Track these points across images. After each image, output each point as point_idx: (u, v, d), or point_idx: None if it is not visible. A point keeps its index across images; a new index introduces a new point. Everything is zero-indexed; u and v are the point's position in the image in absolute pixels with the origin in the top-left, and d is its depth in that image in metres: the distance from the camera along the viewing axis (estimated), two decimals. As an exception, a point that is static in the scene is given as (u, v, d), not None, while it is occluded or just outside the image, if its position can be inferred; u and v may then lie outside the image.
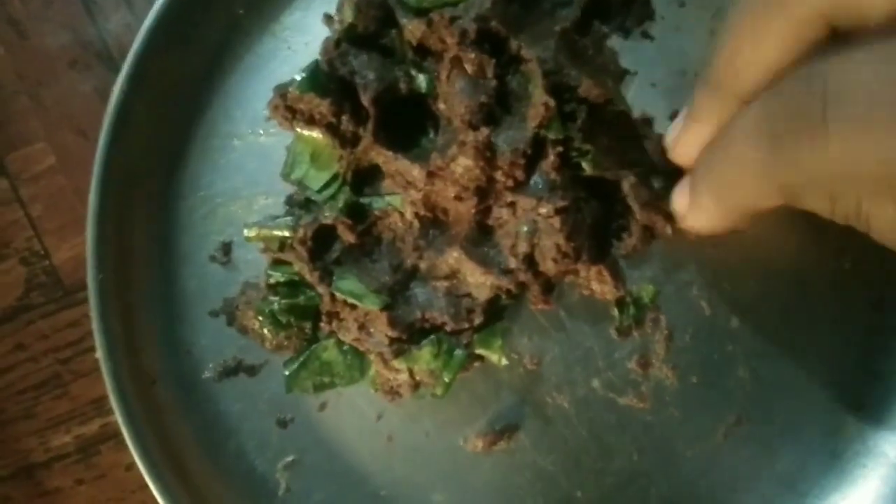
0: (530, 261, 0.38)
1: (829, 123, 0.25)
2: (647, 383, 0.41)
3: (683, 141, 0.35)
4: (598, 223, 0.39)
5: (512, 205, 0.38)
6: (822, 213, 0.29)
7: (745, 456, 0.40)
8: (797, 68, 0.28)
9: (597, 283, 0.40)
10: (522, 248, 0.38)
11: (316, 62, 0.39)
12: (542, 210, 0.36)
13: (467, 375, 0.41)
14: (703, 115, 0.33)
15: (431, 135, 0.41)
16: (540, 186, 0.37)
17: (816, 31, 0.28)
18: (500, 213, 0.38)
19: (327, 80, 0.39)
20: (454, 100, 0.38)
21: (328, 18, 0.43)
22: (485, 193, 0.38)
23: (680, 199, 0.36)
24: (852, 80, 0.25)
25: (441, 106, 0.39)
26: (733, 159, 0.30)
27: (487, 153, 0.37)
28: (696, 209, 0.35)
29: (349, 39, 0.40)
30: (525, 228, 0.38)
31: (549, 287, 0.39)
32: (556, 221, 0.36)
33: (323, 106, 0.39)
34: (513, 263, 0.38)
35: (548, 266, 0.37)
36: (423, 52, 0.40)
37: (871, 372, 0.40)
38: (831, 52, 0.26)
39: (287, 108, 0.40)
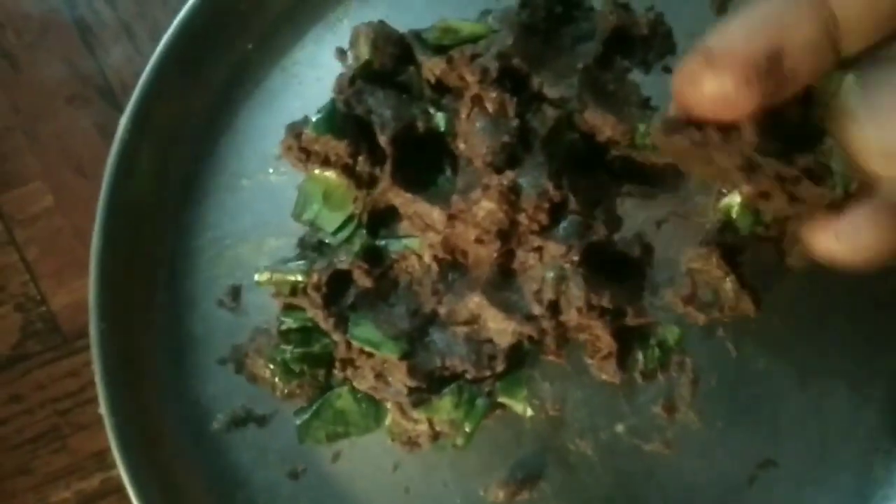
0: (554, 308, 0.37)
1: None
2: (673, 428, 0.40)
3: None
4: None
5: (538, 249, 0.37)
6: None
7: (773, 500, 0.39)
8: None
9: (601, 362, 0.39)
10: (548, 294, 0.36)
11: (332, 102, 0.38)
12: (573, 257, 0.35)
13: (487, 423, 0.39)
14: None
15: (448, 173, 0.40)
16: (569, 231, 0.36)
17: None
18: (526, 257, 0.37)
19: (344, 120, 0.38)
20: (475, 140, 0.37)
21: (341, 53, 0.42)
22: (507, 237, 0.37)
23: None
24: None
25: (461, 145, 0.38)
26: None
27: (511, 197, 0.36)
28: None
29: (365, 76, 0.39)
30: (551, 274, 0.36)
31: (564, 339, 0.38)
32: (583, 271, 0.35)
33: (339, 147, 0.38)
34: (536, 310, 0.37)
35: (571, 316, 0.36)
36: (442, 90, 0.39)
37: (898, 413, 0.40)
38: None
39: (301, 148, 0.38)
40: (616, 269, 0.38)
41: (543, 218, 0.36)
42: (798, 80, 0.25)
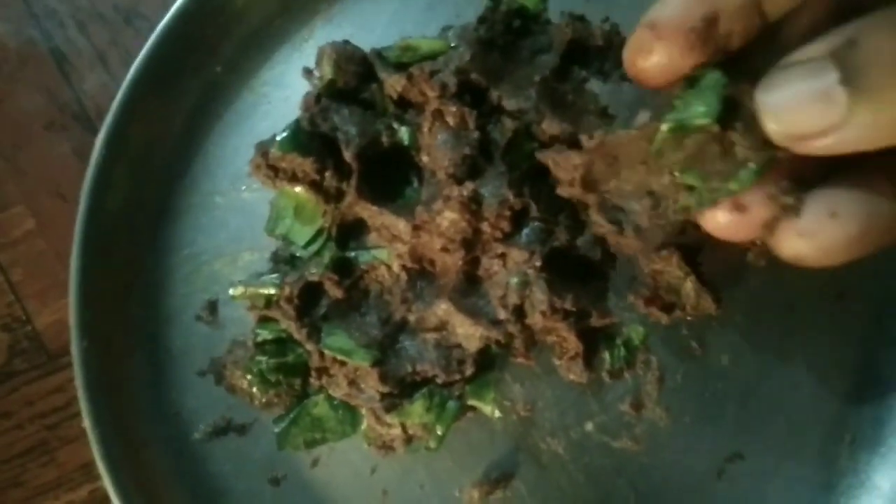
0: (519, 312, 0.38)
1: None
2: (641, 425, 0.40)
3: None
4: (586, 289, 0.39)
5: (502, 256, 0.38)
6: None
7: (741, 492, 0.40)
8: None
9: (568, 362, 0.40)
10: (512, 299, 0.38)
11: (297, 121, 0.39)
12: (536, 263, 0.36)
13: (461, 424, 0.40)
14: None
15: (415, 184, 0.41)
16: (531, 238, 0.37)
17: None
18: (490, 264, 0.38)
19: (309, 137, 0.39)
20: (437, 153, 0.38)
21: (307, 72, 0.43)
22: (471, 245, 0.38)
23: (810, 101, 0.24)
24: None
25: (424, 158, 0.39)
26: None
27: (473, 206, 0.37)
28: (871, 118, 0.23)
29: (329, 95, 0.40)
30: (515, 280, 0.38)
31: (532, 342, 0.39)
32: (546, 276, 0.36)
33: (306, 164, 0.39)
34: (502, 314, 0.38)
35: (535, 319, 0.37)
36: (404, 106, 0.40)
37: (862, 404, 0.40)
38: None
39: (269, 166, 0.40)
40: (579, 272, 0.39)
41: (505, 226, 0.37)
42: (732, 43, 0.27)
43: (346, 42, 0.41)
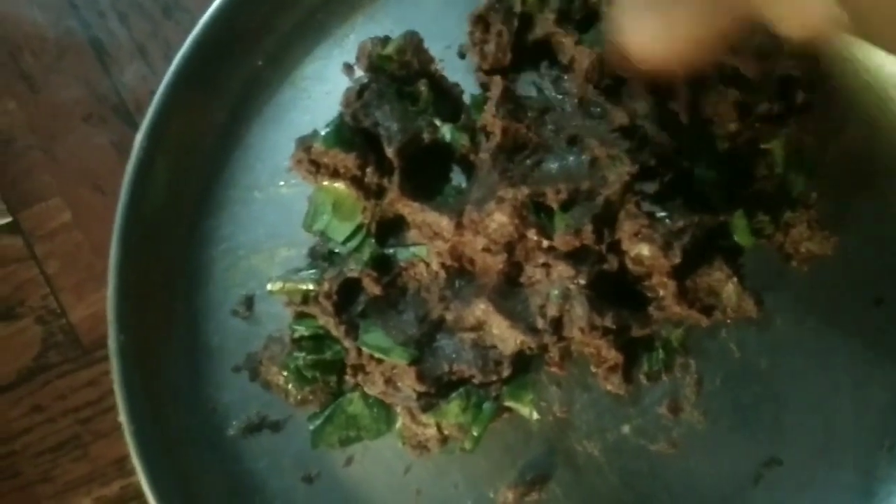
0: (557, 324, 0.38)
1: None
2: (678, 428, 0.40)
3: None
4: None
5: (546, 265, 0.38)
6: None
7: (778, 498, 0.40)
8: None
9: (606, 373, 0.39)
10: (552, 311, 0.37)
11: (340, 116, 0.39)
12: (580, 281, 0.36)
13: (496, 425, 0.40)
14: None
15: (454, 182, 0.42)
16: (580, 256, 0.37)
17: None
18: (533, 271, 0.38)
19: (351, 133, 0.39)
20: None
21: (348, 68, 0.43)
22: (513, 248, 0.38)
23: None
24: None
25: (483, 156, 0.39)
26: None
27: (524, 212, 0.36)
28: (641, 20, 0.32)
29: (376, 74, 0.40)
30: (556, 292, 0.37)
31: (567, 354, 0.39)
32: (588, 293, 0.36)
33: (348, 160, 0.39)
34: (540, 324, 0.38)
35: (573, 333, 0.37)
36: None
37: (903, 411, 0.40)
38: None
39: (311, 161, 0.39)
40: (620, 288, 0.39)
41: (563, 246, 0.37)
42: None
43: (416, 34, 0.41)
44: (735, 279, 0.38)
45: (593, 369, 0.39)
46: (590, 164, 0.38)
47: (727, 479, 0.40)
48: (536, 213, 0.37)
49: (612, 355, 0.38)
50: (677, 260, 0.36)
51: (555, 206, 0.37)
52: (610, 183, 0.37)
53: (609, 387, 0.39)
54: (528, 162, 0.39)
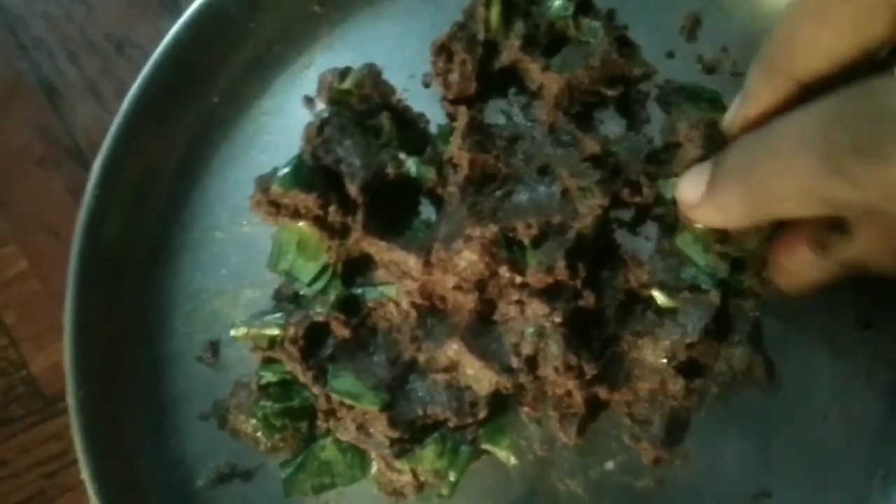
0: (532, 363, 0.36)
1: (888, 144, 0.24)
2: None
3: (741, 119, 0.33)
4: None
5: (519, 302, 0.36)
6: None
7: (769, 531, 0.39)
8: (865, 79, 0.26)
9: (562, 420, 0.38)
10: (526, 349, 0.36)
11: (298, 156, 0.38)
12: (556, 318, 0.35)
13: (475, 465, 0.39)
14: (758, 94, 0.32)
15: (423, 216, 0.40)
16: (555, 293, 0.36)
17: (884, 23, 0.27)
18: (507, 309, 0.37)
19: (311, 172, 0.37)
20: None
21: (308, 101, 0.42)
22: (485, 286, 0.36)
23: (692, 189, 0.34)
24: None
25: (451, 189, 0.38)
26: (781, 161, 0.28)
27: (493, 249, 0.35)
28: (714, 202, 0.33)
29: (337, 106, 0.39)
30: (531, 330, 0.36)
31: (542, 394, 0.38)
32: (564, 331, 0.35)
33: (308, 200, 0.37)
34: (514, 363, 0.36)
35: (548, 372, 0.36)
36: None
37: (894, 437, 0.39)
38: None
39: (270, 202, 0.38)
40: (597, 337, 0.38)
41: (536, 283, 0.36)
42: None
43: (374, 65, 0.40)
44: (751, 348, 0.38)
45: (550, 413, 0.38)
46: (561, 195, 0.37)
47: (716, 513, 0.39)
48: (508, 247, 0.36)
49: (578, 404, 0.37)
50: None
51: (526, 241, 0.36)
52: (581, 216, 0.36)
53: (561, 434, 0.38)
54: (498, 193, 0.37)
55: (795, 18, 0.29)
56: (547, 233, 0.36)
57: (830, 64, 0.28)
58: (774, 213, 0.31)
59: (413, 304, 0.38)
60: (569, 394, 0.37)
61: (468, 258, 0.35)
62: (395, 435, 0.37)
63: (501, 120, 0.41)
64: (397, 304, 0.39)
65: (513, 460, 0.38)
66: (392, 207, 0.39)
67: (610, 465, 0.39)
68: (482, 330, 0.37)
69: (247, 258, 0.42)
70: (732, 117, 0.34)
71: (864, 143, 0.24)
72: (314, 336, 0.38)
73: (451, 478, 0.38)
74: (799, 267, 0.35)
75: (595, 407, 0.38)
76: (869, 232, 0.32)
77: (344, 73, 0.39)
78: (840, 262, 0.33)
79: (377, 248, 0.38)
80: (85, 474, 0.38)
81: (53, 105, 0.45)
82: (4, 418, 0.45)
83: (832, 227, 0.33)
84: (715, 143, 0.35)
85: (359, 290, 0.39)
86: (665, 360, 0.37)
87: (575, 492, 0.39)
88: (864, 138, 0.24)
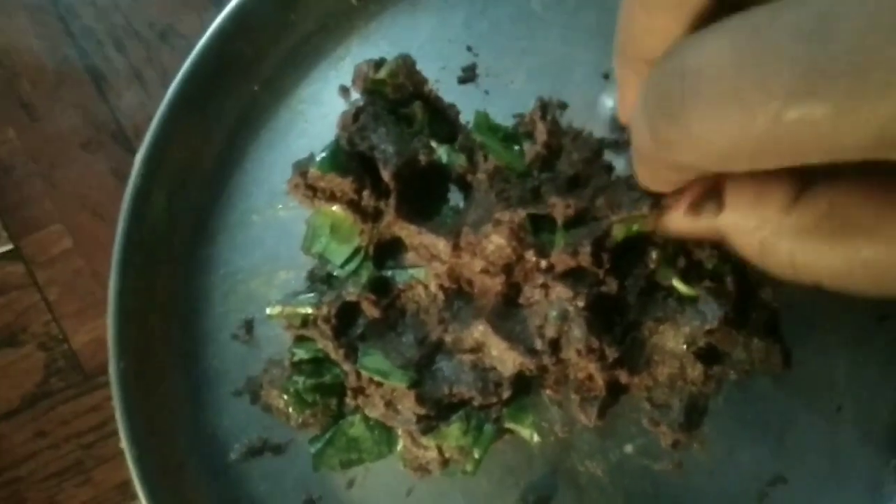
0: (555, 345, 0.37)
1: (685, 101, 0.23)
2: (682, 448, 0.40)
3: (623, 107, 0.33)
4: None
5: (544, 286, 0.37)
6: None
7: (784, 518, 0.39)
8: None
9: (583, 402, 0.39)
10: (550, 332, 0.37)
11: (336, 140, 0.39)
12: (579, 303, 0.36)
13: (498, 446, 0.40)
14: (627, 82, 0.32)
15: (452, 203, 0.41)
16: (579, 277, 0.36)
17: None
18: (532, 292, 0.38)
19: (347, 157, 0.39)
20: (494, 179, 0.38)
21: (344, 90, 0.43)
22: (511, 270, 0.38)
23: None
24: (707, 52, 0.23)
25: (480, 176, 0.39)
26: (634, 135, 0.28)
27: (521, 233, 0.36)
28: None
29: (372, 101, 0.40)
30: (554, 313, 0.37)
31: (564, 377, 0.39)
32: (587, 315, 0.36)
33: (345, 184, 0.38)
34: (538, 345, 0.37)
35: (570, 354, 0.37)
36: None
37: (909, 426, 0.40)
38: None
39: (308, 186, 0.39)
40: (620, 323, 0.38)
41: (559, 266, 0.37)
42: None
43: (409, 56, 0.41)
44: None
45: (572, 396, 0.39)
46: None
47: (732, 498, 0.39)
48: (535, 231, 0.37)
49: (599, 388, 0.38)
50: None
51: (560, 220, 0.37)
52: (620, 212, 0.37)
53: (581, 416, 0.38)
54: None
55: (628, 8, 0.28)
56: (583, 217, 0.37)
57: (671, 42, 0.27)
58: (664, 178, 0.30)
59: (441, 287, 0.39)
60: (590, 377, 0.38)
61: (496, 241, 0.36)
62: (422, 412, 0.38)
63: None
64: (426, 286, 0.40)
65: (536, 438, 0.39)
66: (423, 193, 0.40)
67: (629, 447, 0.40)
68: (507, 312, 0.38)
69: (282, 241, 0.43)
70: (620, 108, 0.34)
71: (661, 104, 0.24)
72: (346, 315, 0.39)
73: (476, 455, 0.38)
74: (676, 216, 0.33)
75: (615, 390, 0.39)
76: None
77: (379, 64, 0.40)
78: (710, 229, 0.31)
79: (408, 232, 0.39)
80: (123, 443, 0.40)
81: (100, 91, 0.47)
82: (45, 391, 0.46)
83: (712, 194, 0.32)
84: None
85: (389, 273, 0.40)
86: (685, 346, 0.38)
87: (594, 473, 0.40)
88: (661, 100, 0.24)
